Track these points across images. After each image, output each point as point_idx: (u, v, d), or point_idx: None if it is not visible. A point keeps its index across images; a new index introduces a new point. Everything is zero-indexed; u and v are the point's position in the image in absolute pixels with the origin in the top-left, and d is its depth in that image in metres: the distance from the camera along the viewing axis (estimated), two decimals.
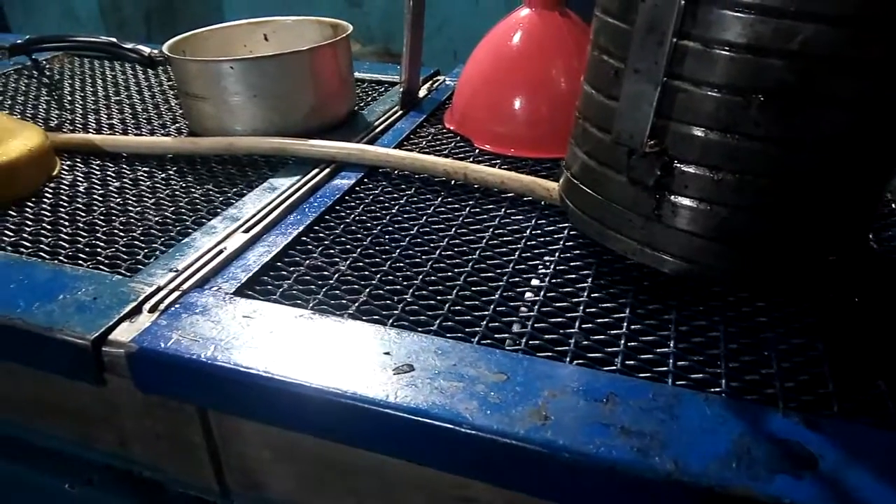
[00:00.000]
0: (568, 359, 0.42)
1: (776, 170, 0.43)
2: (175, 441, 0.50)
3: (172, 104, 0.87)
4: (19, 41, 0.94)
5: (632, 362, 0.42)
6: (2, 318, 0.46)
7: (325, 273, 0.52)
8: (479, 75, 0.74)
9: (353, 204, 0.62)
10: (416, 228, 0.58)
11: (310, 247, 0.55)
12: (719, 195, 0.44)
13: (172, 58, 0.72)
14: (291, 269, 0.53)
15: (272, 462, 0.48)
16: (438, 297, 0.49)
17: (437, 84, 0.90)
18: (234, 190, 0.64)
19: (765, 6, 0.39)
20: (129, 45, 0.83)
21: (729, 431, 0.36)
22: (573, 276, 0.51)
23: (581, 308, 0.47)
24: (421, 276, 0.51)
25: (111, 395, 0.50)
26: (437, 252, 0.54)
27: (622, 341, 0.44)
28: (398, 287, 0.50)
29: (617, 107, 0.45)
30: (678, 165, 0.44)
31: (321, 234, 0.57)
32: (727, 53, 0.41)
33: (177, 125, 0.80)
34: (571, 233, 0.56)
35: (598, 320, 0.46)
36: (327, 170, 0.67)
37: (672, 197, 0.45)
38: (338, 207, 0.61)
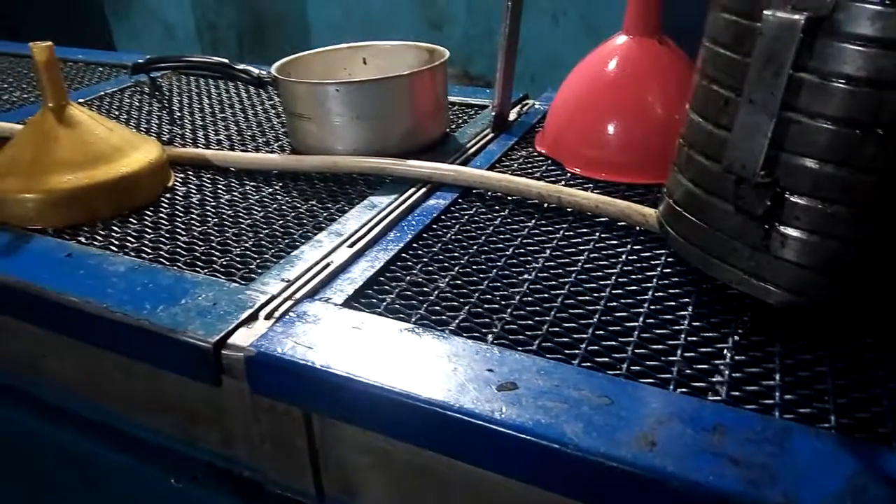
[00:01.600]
0: (671, 386, 0.42)
1: (892, 204, 0.42)
2: (278, 443, 0.52)
3: (275, 122, 0.91)
4: (140, 60, 1.01)
5: (737, 393, 0.42)
6: (130, 318, 0.50)
7: (426, 289, 0.54)
8: (574, 100, 0.75)
9: (449, 223, 0.64)
10: (511, 249, 0.59)
11: (409, 263, 0.57)
12: (831, 228, 0.43)
13: (280, 79, 0.77)
14: (393, 284, 0.55)
15: (370, 469, 0.50)
16: (536, 318, 0.50)
17: (526, 108, 0.92)
18: (337, 206, 0.67)
19: (887, 40, 0.39)
20: (241, 67, 0.88)
21: (842, 469, 0.36)
22: (672, 303, 0.51)
23: (682, 336, 0.47)
24: (518, 297, 0.52)
25: (221, 396, 0.53)
26: (533, 273, 0.55)
27: (726, 371, 0.44)
28: (496, 306, 0.52)
29: (729, 136, 0.45)
30: (789, 196, 0.44)
31: (420, 252, 0.59)
32: (845, 87, 0.40)
33: (279, 143, 0.85)
34: (669, 259, 0.56)
35: (701, 349, 0.46)
36: (423, 189, 0.69)
37: (781, 228, 0.45)
38: (435, 226, 0.63)
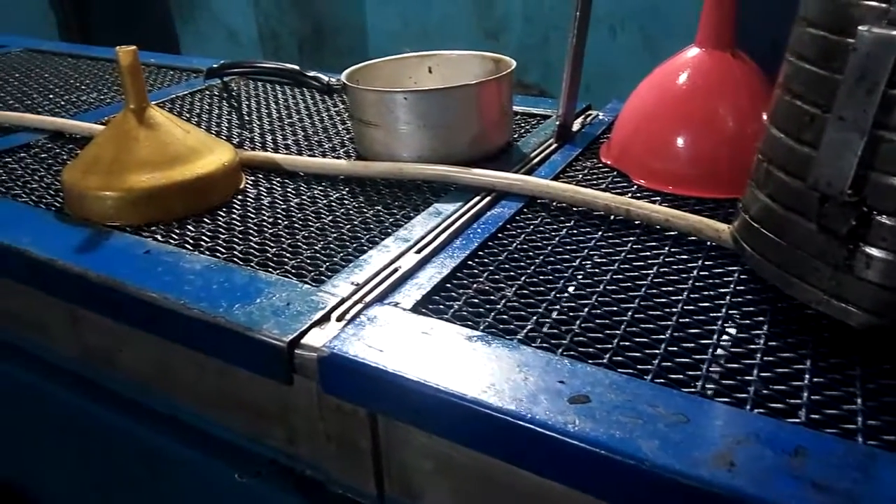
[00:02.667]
0: (748, 406, 0.42)
1: None
2: (342, 444, 0.53)
3: (339, 128, 0.93)
4: (214, 65, 1.04)
5: (817, 416, 0.41)
6: (207, 315, 0.52)
7: (493, 298, 0.54)
8: (643, 111, 0.74)
9: (514, 233, 0.64)
10: (577, 261, 0.59)
11: (476, 271, 0.58)
12: None
13: (350, 86, 0.78)
14: (460, 291, 0.55)
15: (432, 473, 0.50)
16: (606, 331, 0.49)
17: (590, 118, 0.92)
18: (402, 212, 0.68)
19: None
20: (311, 74, 0.90)
21: None
22: (747, 321, 0.50)
23: (758, 355, 0.46)
24: (587, 309, 0.52)
25: (290, 394, 0.54)
26: (601, 286, 0.55)
27: (805, 393, 0.43)
28: (564, 317, 0.51)
29: (813, 153, 0.44)
30: (876, 216, 0.43)
31: (486, 260, 0.59)
32: None
33: (344, 148, 0.86)
34: (742, 276, 0.55)
35: (778, 370, 0.45)
36: (488, 198, 0.70)
37: (866, 248, 0.43)
38: (500, 235, 0.63)
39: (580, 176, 0.76)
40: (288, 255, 0.61)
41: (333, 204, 0.71)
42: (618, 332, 0.49)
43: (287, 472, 0.59)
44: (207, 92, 1.10)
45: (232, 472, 0.62)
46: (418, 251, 0.60)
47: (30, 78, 1.21)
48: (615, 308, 0.52)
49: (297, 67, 0.95)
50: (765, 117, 0.52)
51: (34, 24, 2.76)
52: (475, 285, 0.55)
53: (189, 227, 0.66)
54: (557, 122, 0.84)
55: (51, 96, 1.09)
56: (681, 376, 0.44)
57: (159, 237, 0.64)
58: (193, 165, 0.68)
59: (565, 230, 0.64)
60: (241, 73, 1.09)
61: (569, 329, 0.50)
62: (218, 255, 0.61)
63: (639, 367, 0.45)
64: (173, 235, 0.65)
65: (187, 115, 0.99)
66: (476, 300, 0.54)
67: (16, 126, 0.94)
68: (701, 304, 0.52)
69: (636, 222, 0.64)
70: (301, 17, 2.35)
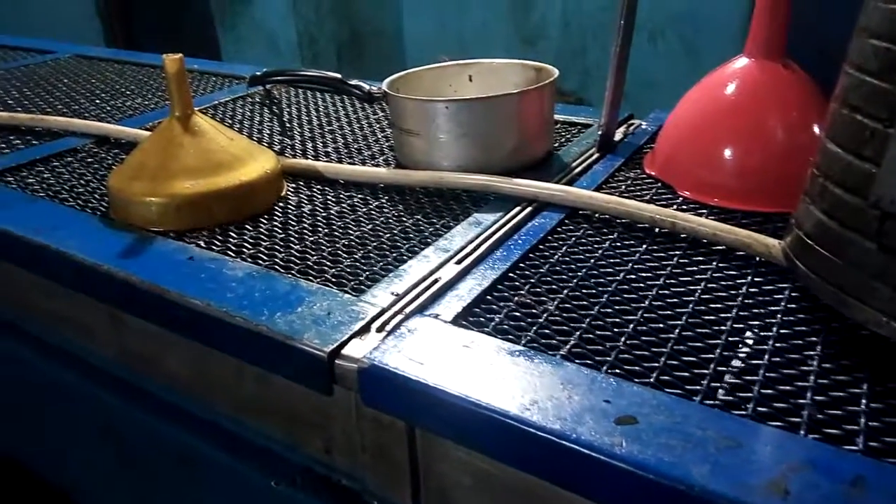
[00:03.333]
0: (802, 431, 0.40)
1: None
2: (379, 455, 0.53)
3: (379, 136, 0.93)
4: (258, 73, 1.06)
5: (876, 444, 0.39)
6: (249, 323, 0.52)
7: (534, 311, 0.53)
8: (690, 121, 0.72)
9: (555, 244, 0.63)
10: (621, 275, 0.58)
11: (517, 283, 0.57)
12: None
13: (391, 95, 0.78)
14: (501, 303, 0.54)
15: (470, 489, 0.49)
16: (653, 349, 0.48)
17: (633, 128, 0.90)
18: (442, 222, 0.68)
19: None
20: (353, 82, 0.91)
21: None
22: (799, 341, 0.48)
23: (812, 378, 0.44)
24: (632, 325, 0.51)
25: (328, 404, 0.54)
26: (647, 301, 0.54)
27: (862, 419, 0.41)
28: (608, 333, 0.50)
29: (873, 169, 0.42)
30: None
31: (527, 272, 0.58)
32: None
33: (384, 156, 0.86)
34: (793, 294, 0.53)
35: (832, 393, 0.43)
36: (529, 209, 0.69)
37: None
38: (541, 247, 0.63)
39: (623, 187, 0.74)
40: (328, 263, 0.61)
41: (373, 212, 0.71)
42: (664, 350, 0.48)
43: (323, 480, 0.59)
44: (249, 98, 1.11)
45: (268, 479, 0.62)
46: (458, 262, 0.59)
47: (77, 83, 1.24)
48: (661, 325, 0.51)
49: (338, 76, 0.95)
50: (817, 130, 0.51)
51: (82, 30, 2.84)
52: (516, 298, 0.55)
53: (231, 233, 0.67)
54: (599, 132, 0.83)
55: (97, 101, 1.12)
56: (731, 398, 0.43)
57: (202, 243, 0.65)
58: (237, 173, 0.69)
59: (608, 242, 0.63)
60: (283, 82, 1.10)
61: (613, 346, 0.49)
62: (260, 262, 0.61)
63: (687, 387, 0.44)
64: (216, 242, 0.65)
65: (229, 122, 1.01)
66: (517, 313, 0.53)
67: (64, 131, 0.96)
68: (751, 323, 0.50)
69: (682, 236, 0.63)
70: (339, 23, 2.37)
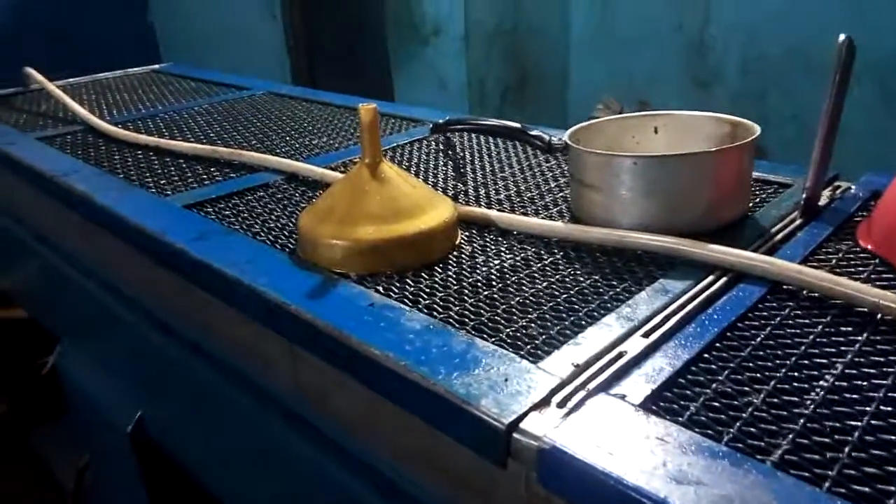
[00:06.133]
0: None
1: None
2: None
3: (552, 185, 0.91)
4: (441, 121, 1.08)
5: None
6: (427, 381, 0.51)
7: (735, 403, 0.47)
8: None
9: (756, 324, 0.57)
10: (839, 368, 0.50)
11: (713, 367, 0.51)
12: None
13: (573, 147, 0.76)
14: (696, 389, 0.49)
15: None
16: (887, 467, 0.41)
17: (840, 191, 0.81)
18: (623, 285, 0.64)
19: None
20: (534, 132, 0.90)
21: None
22: None
23: None
24: (857, 434, 0.44)
25: (497, 472, 0.51)
26: (873, 405, 0.46)
27: None
28: (828, 441, 0.43)
29: None
30: None
31: (724, 355, 0.53)
32: None
33: (557, 208, 0.84)
34: None
35: None
36: (724, 279, 0.63)
37: None
38: (740, 325, 0.56)
39: (834, 261, 0.66)
40: (502, 321, 0.59)
41: (548, 268, 0.69)
42: None
43: None
44: (426, 142, 1.14)
45: None
46: (645, 335, 0.55)
47: (270, 119, 1.34)
48: (895, 438, 0.43)
49: (519, 125, 0.95)
50: None
51: (271, 67, 3.12)
52: (714, 385, 0.49)
53: (408, 280, 0.67)
54: (804, 195, 0.75)
55: (287, 138, 1.20)
56: None
57: (380, 289, 0.66)
58: (417, 220, 0.69)
59: (820, 327, 0.56)
60: (465, 130, 1.11)
61: (835, 457, 0.42)
62: (435, 314, 0.61)
63: None
64: (394, 288, 0.66)
65: (406, 164, 1.03)
66: (716, 403, 0.47)
67: (258, 165, 1.03)
68: None
69: None
70: (508, 67, 2.41)
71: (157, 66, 2.02)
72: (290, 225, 0.82)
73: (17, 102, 1.62)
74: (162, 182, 1.00)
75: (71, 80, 1.82)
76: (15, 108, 1.57)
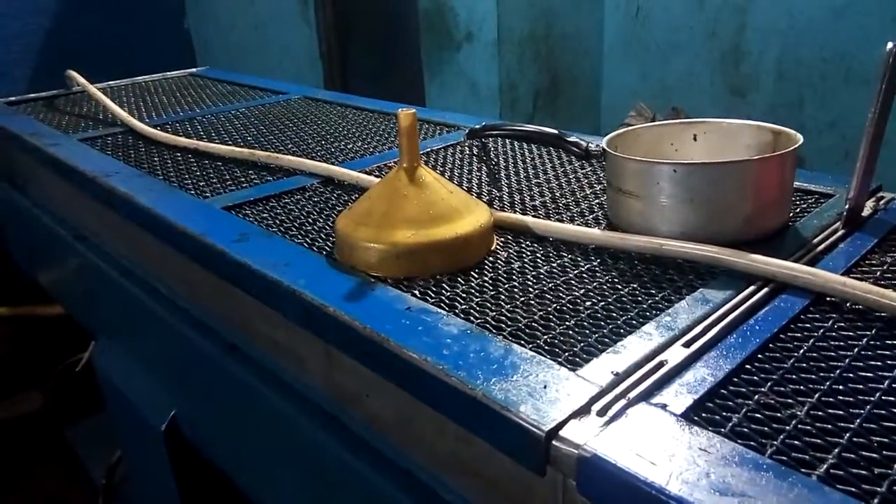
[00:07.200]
0: None
1: None
2: None
3: (587, 192, 0.91)
4: (477, 126, 1.08)
5: None
6: (465, 387, 0.51)
7: (779, 415, 0.47)
8: None
9: (799, 336, 0.56)
10: (885, 382, 0.49)
11: (756, 378, 0.51)
12: None
13: (611, 154, 0.75)
14: (738, 400, 0.48)
15: None
16: None
17: (884, 202, 0.79)
18: (662, 294, 0.63)
19: None
20: (572, 139, 0.89)
21: None
22: None
23: None
24: None
25: (534, 479, 0.51)
26: None
27: None
28: (876, 456, 0.43)
29: None
30: None
31: (767, 366, 0.52)
32: None
33: (593, 214, 0.83)
34: None
35: None
36: (766, 289, 0.62)
37: None
38: (783, 336, 0.56)
39: (878, 273, 0.65)
40: (540, 328, 0.59)
41: (585, 275, 0.68)
42: None
43: None
44: (460, 147, 1.14)
45: None
46: (686, 344, 0.54)
47: (306, 123, 1.36)
48: None
49: (556, 132, 0.94)
50: None
51: (305, 71, 3.15)
52: (757, 396, 0.49)
53: (444, 285, 0.67)
54: (847, 205, 0.74)
55: (322, 142, 1.21)
56: None
57: (417, 293, 0.66)
58: (454, 225, 0.69)
59: (865, 340, 0.55)
60: (501, 136, 1.11)
61: (884, 473, 0.41)
62: (472, 319, 0.61)
63: None
64: (430, 293, 0.66)
65: (441, 169, 1.04)
66: (759, 415, 0.47)
67: (295, 169, 1.05)
68: None
69: None
70: (540, 71, 2.40)
71: (193, 70, 2.05)
72: (327, 228, 0.83)
73: (60, 104, 1.67)
74: (201, 184, 1.01)
75: (111, 82, 1.86)
76: (58, 109, 1.61)
